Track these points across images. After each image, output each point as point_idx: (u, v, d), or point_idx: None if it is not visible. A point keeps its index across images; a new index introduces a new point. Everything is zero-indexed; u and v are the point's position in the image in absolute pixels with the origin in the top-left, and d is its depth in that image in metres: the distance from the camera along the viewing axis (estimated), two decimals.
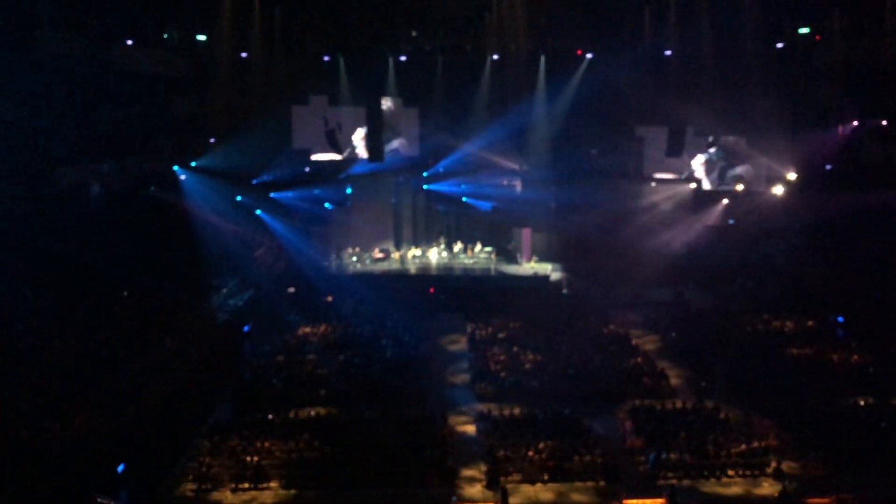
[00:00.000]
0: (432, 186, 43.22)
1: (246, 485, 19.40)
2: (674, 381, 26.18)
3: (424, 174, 42.95)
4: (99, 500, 17.36)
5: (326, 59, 46.24)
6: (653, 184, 44.03)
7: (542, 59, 45.72)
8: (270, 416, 22.98)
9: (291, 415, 23.03)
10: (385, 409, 23.48)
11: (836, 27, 41.24)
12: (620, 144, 43.45)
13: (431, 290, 36.60)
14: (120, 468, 19.56)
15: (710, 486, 19.33)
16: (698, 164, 42.83)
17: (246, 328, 32.83)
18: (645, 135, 47.10)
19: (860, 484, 18.82)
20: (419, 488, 19.38)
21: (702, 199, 44.85)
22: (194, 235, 38.47)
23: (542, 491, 19.19)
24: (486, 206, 42.66)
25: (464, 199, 42.76)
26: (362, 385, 25.16)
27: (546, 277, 38.01)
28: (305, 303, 35.73)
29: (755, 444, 20.72)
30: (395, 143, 42.98)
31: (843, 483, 18.94)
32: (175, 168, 43.04)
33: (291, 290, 36.96)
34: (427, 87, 47.35)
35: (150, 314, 27.90)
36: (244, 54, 45.16)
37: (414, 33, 45.75)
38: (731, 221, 43.17)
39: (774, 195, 43.20)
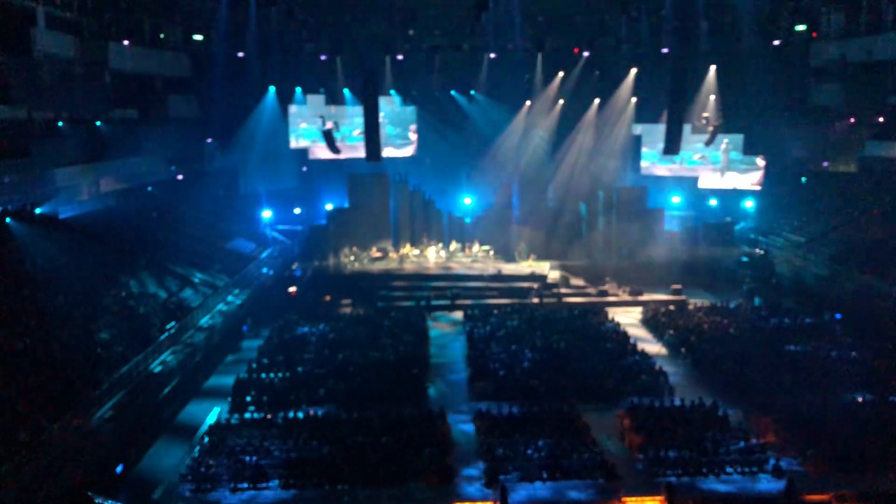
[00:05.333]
0: None
1: (245, 484, 19.39)
2: (672, 378, 26.21)
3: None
4: (98, 500, 17.35)
5: (324, 58, 46.28)
6: None
7: (539, 57, 45.80)
8: (269, 416, 22.99)
9: (291, 414, 23.01)
10: (385, 408, 23.50)
11: (832, 24, 41.31)
12: None
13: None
14: (119, 468, 19.57)
15: (709, 483, 19.33)
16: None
17: (245, 328, 32.82)
18: (643, 133, 47.31)
19: (859, 480, 18.85)
20: (418, 487, 19.38)
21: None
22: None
23: (541, 489, 19.20)
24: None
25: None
26: (362, 385, 25.15)
27: (544, 276, 38.01)
28: (305, 302, 35.77)
29: (754, 441, 20.75)
30: None
31: (842, 480, 18.96)
32: (173, 168, 43.10)
33: (292, 289, 36.94)
34: (425, 86, 47.50)
35: (149, 312, 27.85)
36: (241, 54, 45.17)
37: (411, 32, 45.78)
38: (728, 219, 43.25)
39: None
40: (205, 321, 30.06)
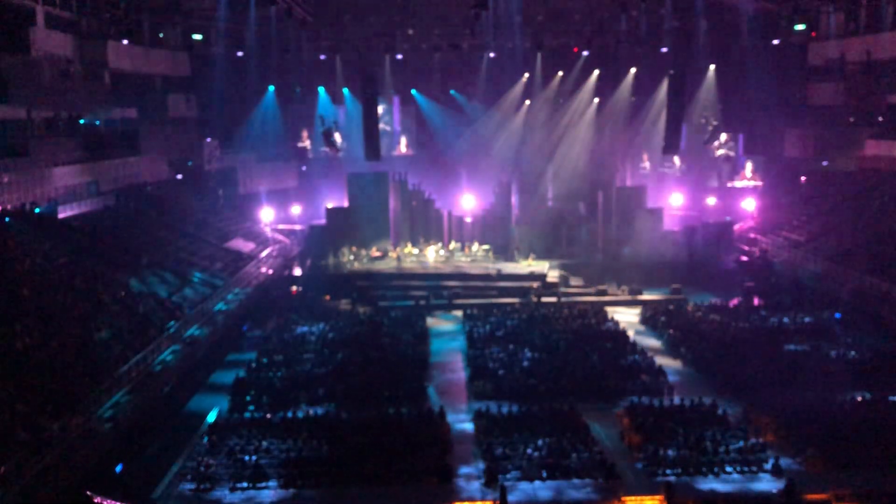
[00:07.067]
0: None
1: (245, 484, 19.39)
2: (672, 378, 26.22)
3: None
4: (98, 500, 17.34)
5: (323, 57, 46.31)
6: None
7: (539, 56, 45.82)
8: (268, 416, 22.98)
9: (291, 414, 23.01)
10: (385, 408, 23.51)
11: (832, 24, 41.32)
12: None
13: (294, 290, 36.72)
14: (118, 468, 19.56)
15: (709, 483, 19.34)
16: None
17: (245, 327, 32.82)
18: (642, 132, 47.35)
19: (858, 479, 18.86)
20: (418, 487, 19.39)
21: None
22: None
23: (541, 488, 19.21)
24: None
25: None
26: (362, 385, 25.14)
27: (543, 275, 38.00)
28: (305, 302, 35.77)
29: (753, 440, 20.76)
30: None
31: (841, 479, 18.98)
32: (172, 167, 43.12)
33: (294, 289, 36.96)
34: (424, 85, 47.53)
35: (147, 312, 27.84)
36: (240, 53, 45.18)
37: (410, 32, 45.81)
38: (727, 219, 43.26)
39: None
40: (204, 320, 30.03)
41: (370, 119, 38.59)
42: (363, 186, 41.69)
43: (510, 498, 18.33)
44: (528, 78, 46.81)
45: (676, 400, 23.65)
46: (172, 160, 43.38)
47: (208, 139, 45.02)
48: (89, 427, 19.54)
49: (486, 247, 40.99)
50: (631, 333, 31.06)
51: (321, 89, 46.92)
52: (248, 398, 24.54)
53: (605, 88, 46.87)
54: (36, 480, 16.83)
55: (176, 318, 28.03)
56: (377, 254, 40.77)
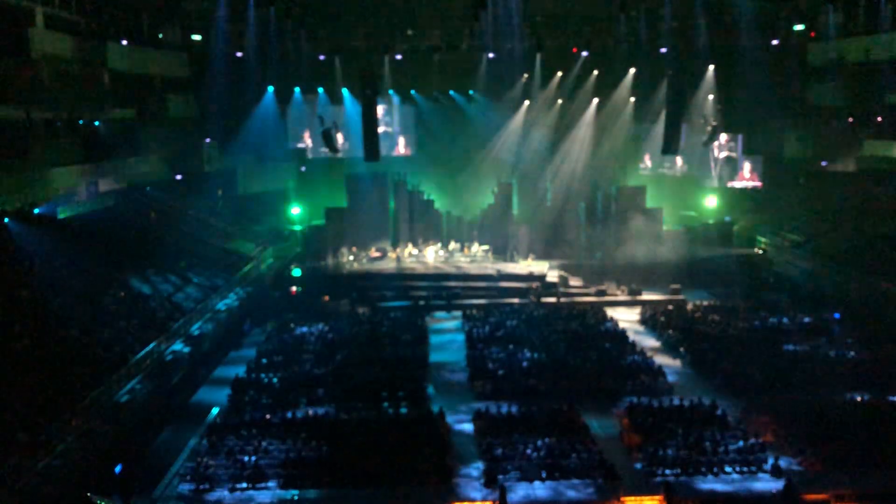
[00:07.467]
0: None
1: (244, 484, 19.39)
2: (671, 378, 26.24)
3: None
4: (96, 500, 17.34)
5: (322, 58, 46.27)
6: None
7: (538, 57, 45.78)
8: (268, 417, 22.99)
9: (290, 414, 23.01)
10: (384, 408, 23.48)
11: (830, 24, 41.35)
12: None
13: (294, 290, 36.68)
14: (118, 468, 19.57)
15: (708, 483, 19.34)
16: None
17: (245, 327, 32.84)
18: (642, 132, 47.35)
19: (858, 480, 18.87)
20: (418, 487, 19.38)
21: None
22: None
23: (540, 489, 19.21)
24: None
25: None
26: (361, 385, 25.15)
27: (543, 276, 38.01)
28: (304, 302, 35.77)
29: (752, 440, 20.77)
30: None
31: (840, 479, 19.00)
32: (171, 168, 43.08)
33: (294, 289, 36.96)
34: (423, 86, 47.50)
35: (147, 312, 27.85)
36: (239, 54, 45.13)
37: (410, 32, 45.79)
38: (727, 219, 43.30)
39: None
40: (204, 320, 30.06)
41: (370, 119, 38.50)
42: (362, 187, 41.68)
43: (510, 498, 18.35)
44: (528, 78, 46.76)
45: (676, 400, 23.64)
46: (172, 160, 43.33)
47: (208, 139, 44.98)
48: (89, 427, 19.56)
49: (485, 247, 41.01)
50: (630, 333, 31.08)
51: (321, 89, 46.88)
52: (246, 398, 24.54)
53: (605, 88, 46.81)
54: (36, 480, 16.84)
55: (176, 318, 28.04)
56: (376, 254, 40.78)
